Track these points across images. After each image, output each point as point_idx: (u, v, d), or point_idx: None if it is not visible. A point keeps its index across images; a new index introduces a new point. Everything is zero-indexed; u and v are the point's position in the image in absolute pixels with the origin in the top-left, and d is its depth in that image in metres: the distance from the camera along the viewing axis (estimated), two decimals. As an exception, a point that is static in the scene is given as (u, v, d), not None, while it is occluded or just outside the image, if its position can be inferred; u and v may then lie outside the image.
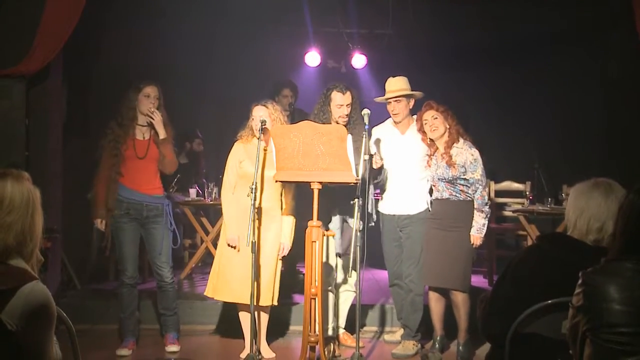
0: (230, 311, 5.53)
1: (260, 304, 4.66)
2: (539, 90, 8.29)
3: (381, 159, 4.80)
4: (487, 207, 4.74)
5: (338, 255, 4.93)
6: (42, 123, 5.48)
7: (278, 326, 4.97)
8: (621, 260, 2.02)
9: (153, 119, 4.79)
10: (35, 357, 2.07)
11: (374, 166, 4.72)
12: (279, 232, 4.76)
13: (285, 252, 4.79)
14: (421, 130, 4.86)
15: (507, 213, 7.01)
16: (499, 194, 7.15)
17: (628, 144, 7.22)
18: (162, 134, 4.81)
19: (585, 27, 7.41)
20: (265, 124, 4.54)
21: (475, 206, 4.69)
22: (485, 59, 8.04)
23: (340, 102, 4.81)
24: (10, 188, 2.15)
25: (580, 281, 2.06)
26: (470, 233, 4.70)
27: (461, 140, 4.77)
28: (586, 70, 7.74)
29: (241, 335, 4.84)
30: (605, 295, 1.96)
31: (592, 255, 2.28)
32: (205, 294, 4.89)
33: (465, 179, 4.71)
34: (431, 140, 4.84)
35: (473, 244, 4.71)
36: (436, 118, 4.78)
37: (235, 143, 4.83)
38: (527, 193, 6.65)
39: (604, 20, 7.09)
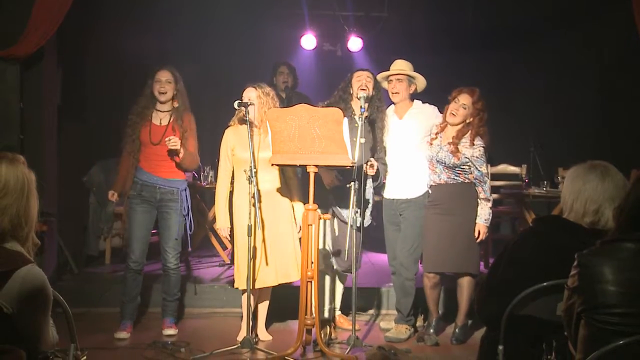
0: (227, 295, 5.56)
1: (288, 280, 4.69)
2: (535, 73, 8.28)
3: (372, 165, 4.63)
4: (491, 196, 4.72)
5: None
6: (37, 106, 5.45)
7: (275, 309, 4.98)
8: (618, 240, 2.02)
9: (175, 148, 4.72)
10: (31, 339, 2.08)
11: (368, 173, 4.60)
12: (290, 209, 4.74)
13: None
14: (452, 102, 4.77)
15: (503, 196, 7.02)
16: (495, 176, 7.13)
17: (623, 127, 7.22)
18: (181, 154, 4.77)
19: (581, 11, 7.38)
20: (247, 106, 4.47)
21: (482, 197, 4.66)
22: (482, 41, 8.01)
23: (359, 74, 4.82)
24: (4, 171, 2.15)
25: (575, 263, 2.06)
26: (477, 222, 4.65)
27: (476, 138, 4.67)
28: (582, 54, 7.72)
29: (239, 318, 4.85)
30: (600, 276, 1.97)
31: (588, 237, 2.28)
32: (235, 286, 4.77)
33: (463, 169, 4.67)
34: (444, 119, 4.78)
35: (479, 234, 4.65)
36: (465, 108, 4.69)
37: (226, 130, 4.78)
38: (523, 176, 6.66)
39: (601, 5, 7.06)
